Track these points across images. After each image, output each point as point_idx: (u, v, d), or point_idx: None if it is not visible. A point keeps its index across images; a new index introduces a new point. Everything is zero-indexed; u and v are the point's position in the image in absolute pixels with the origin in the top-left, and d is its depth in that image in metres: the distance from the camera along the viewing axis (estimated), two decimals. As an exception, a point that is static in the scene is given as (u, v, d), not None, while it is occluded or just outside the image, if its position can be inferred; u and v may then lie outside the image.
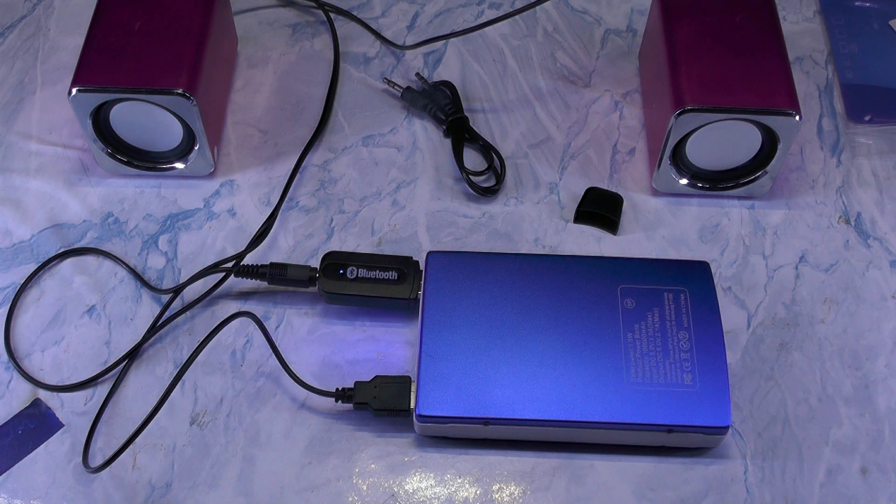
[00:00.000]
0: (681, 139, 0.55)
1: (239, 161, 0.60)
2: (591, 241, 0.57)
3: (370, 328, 0.53)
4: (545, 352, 0.48)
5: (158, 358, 0.52)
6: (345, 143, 0.61)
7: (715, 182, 0.58)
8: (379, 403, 0.48)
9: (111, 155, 0.57)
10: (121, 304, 0.54)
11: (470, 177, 0.58)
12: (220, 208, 0.58)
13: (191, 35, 0.56)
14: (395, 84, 0.63)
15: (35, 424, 0.50)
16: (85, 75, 0.53)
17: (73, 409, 0.50)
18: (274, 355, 0.50)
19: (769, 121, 0.53)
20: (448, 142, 0.61)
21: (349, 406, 0.49)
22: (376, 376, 0.49)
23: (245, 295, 0.55)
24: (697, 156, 0.56)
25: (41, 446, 0.49)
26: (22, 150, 0.61)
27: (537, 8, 0.68)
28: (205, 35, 0.56)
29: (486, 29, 0.66)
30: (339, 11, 0.68)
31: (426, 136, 0.62)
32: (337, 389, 0.49)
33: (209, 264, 0.55)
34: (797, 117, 0.52)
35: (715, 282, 0.52)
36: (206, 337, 0.48)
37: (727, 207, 0.58)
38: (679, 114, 0.53)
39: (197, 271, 0.54)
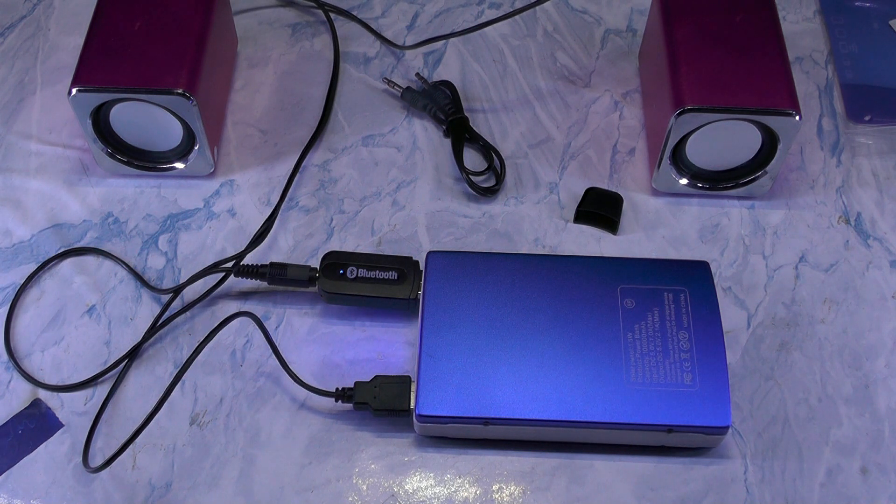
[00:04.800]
0: (681, 139, 0.55)
1: (239, 161, 0.60)
2: (591, 241, 0.57)
3: (370, 328, 0.53)
4: (545, 352, 0.48)
5: (158, 358, 0.52)
6: (345, 143, 0.61)
7: (715, 182, 0.58)
8: (379, 403, 0.48)
9: (111, 155, 0.57)
10: (121, 304, 0.54)
11: (470, 177, 0.58)
12: (220, 208, 0.58)
13: (191, 35, 0.56)
14: (395, 84, 0.63)
15: (35, 424, 0.50)
16: (85, 75, 0.53)
17: (73, 409, 0.50)
18: (274, 355, 0.50)
19: (769, 121, 0.53)
20: (448, 142, 0.61)
21: (349, 406, 0.49)
22: (376, 376, 0.49)
23: (245, 295, 0.55)
24: (697, 156, 0.56)
25: (41, 446, 0.49)
26: (22, 150, 0.61)
27: (537, 8, 0.68)
28: (205, 35, 0.56)
29: (486, 29, 0.66)
30: (339, 11, 0.68)
31: (426, 136, 0.62)
32: (337, 389, 0.49)
33: (209, 264, 0.55)
34: (797, 117, 0.52)
35: (715, 282, 0.52)
36: (206, 337, 0.48)
37: (727, 207, 0.58)
38: (679, 114, 0.53)
39: (197, 271, 0.54)
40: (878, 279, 0.55)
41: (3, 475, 0.48)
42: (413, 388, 0.48)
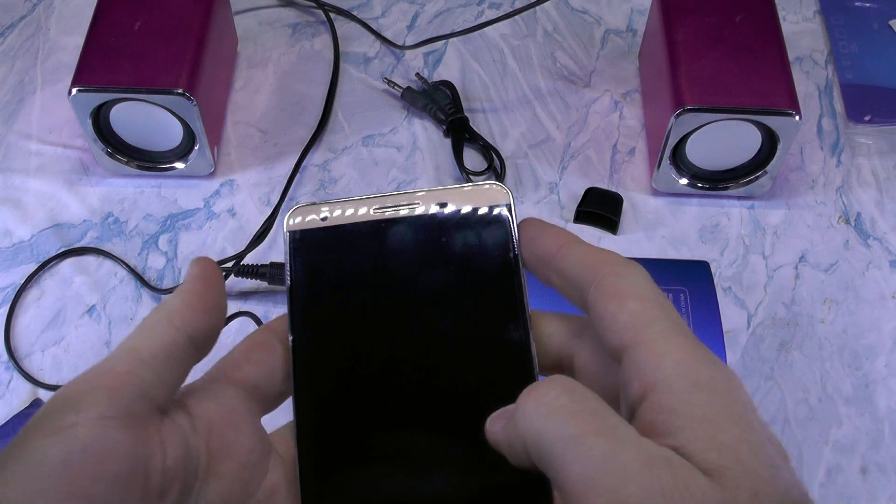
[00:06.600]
0: (681, 139, 0.55)
1: (239, 161, 0.60)
2: (591, 241, 0.57)
3: (370, 328, 0.53)
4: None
5: (158, 358, 0.52)
6: (345, 143, 0.61)
7: (715, 182, 0.58)
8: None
9: (111, 155, 0.57)
10: (121, 304, 0.54)
11: (470, 177, 0.58)
12: (220, 208, 0.58)
13: (191, 35, 0.56)
14: (395, 84, 0.63)
15: (35, 424, 0.50)
16: (85, 75, 0.53)
17: (73, 409, 0.50)
18: (274, 355, 0.50)
19: (769, 121, 0.53)
20: (448, 142, 0.61)
21: (349, 406, 0.49)
22: (376, 376, 0.49)
23: (245, 295, 0.55)
24: (697, 156, 0.56)
25: (41, 446, 0.49)
26: (22, 150, 0.61)
27: (537, 8, 0.68)
28: (205, 35, 0.56)
29: (486, 29, 0.66)
30: (339, 11, 0.68)
31: (426, 136, 0.62)
32: (337, 389, 0.49)
33: (209, 264, 0.54)
34: (797, 117, 0.52)
35: (715, 282, 0.52)
36: (206, 337, 0.48)
37: (727, 207, 0.58)
38: (679, 114, 0.53)
39: (197, 271, 0.54)
40: (878, 279, 0.55)
41: (3, 475, 0.48)
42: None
